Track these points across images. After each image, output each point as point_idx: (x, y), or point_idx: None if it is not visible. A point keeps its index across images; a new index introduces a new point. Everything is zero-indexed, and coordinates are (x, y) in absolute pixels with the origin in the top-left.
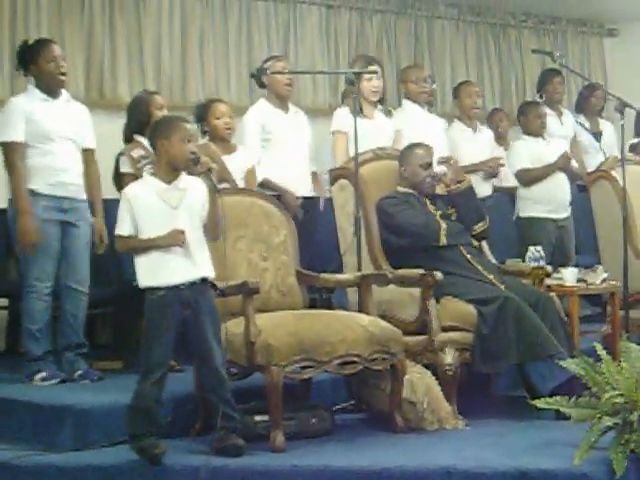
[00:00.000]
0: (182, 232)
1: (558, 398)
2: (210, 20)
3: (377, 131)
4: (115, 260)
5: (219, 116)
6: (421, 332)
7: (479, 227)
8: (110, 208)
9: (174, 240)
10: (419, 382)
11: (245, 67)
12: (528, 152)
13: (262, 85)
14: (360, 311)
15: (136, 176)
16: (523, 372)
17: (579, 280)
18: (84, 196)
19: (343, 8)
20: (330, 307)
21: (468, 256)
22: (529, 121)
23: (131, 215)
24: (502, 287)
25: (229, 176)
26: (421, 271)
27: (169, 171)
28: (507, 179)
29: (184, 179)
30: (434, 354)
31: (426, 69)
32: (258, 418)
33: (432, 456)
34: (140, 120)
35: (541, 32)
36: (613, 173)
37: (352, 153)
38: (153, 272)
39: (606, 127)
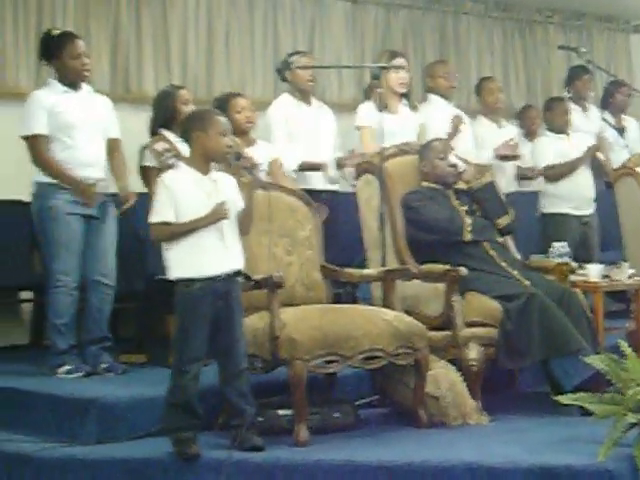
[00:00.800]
0: (225, 203)
1: (582, 394)
2: (236, 14)
3: (402, 126)
4: (140, 254)
5: (240, 110)
6: (445, 327)
7: (503, 220)
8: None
9: (219, 214)
10: (443, 377)
11: (271, 61)
12: (552, 148)
13: (285, 79)
14: (384, 306)
15: (159, 169)
16: (547, 368)
17: (604, 276)
18: (109, 190)
19: (369, 3)
20: (354, 302)
21: (492, 252)
22: (555, 117)
23: (172, 201)
24: (527, 283)
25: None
26: (446, 266)
27: (204, 163)
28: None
29: (216, 172)
30: (458, 349)
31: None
32: (282, 412)
33: (455, 451)
34: (166, 114)
35: (567, 28)
36: (638, 170)
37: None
38: (188, 263)
39: (630, 123)
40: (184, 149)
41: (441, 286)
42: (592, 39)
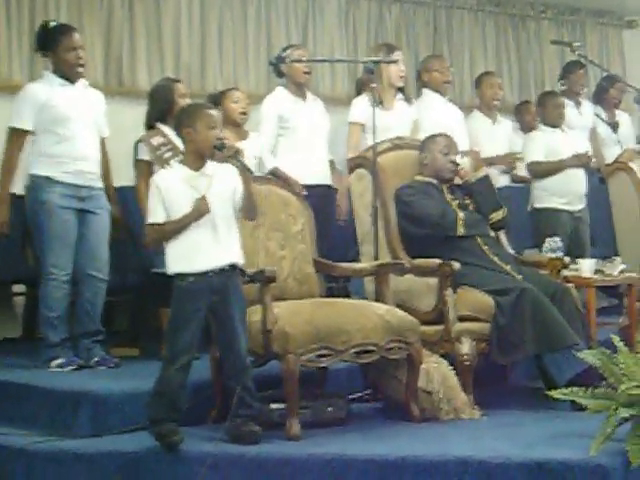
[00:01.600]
0: (204, 199)
1: (574, 389)
2: (229, 8)
3: (396, 122)
4: (134, 247)
5: (236, 100)
6: (438, 322)
7: (496, 216)
8: (129, 195)
9: (199, 211)
10: (435, 372)
11: (264, 56)
12: (544, 143)
13: (280, 74)
14: (377, 300)
15: (152, 164)
16: (540, 363)
17: (596, 271)
18: (101, 184)
19: None
20: (347, 296)
21: (485, 247)
22: (547, 112)
23: (162, 203)
24: (519, 278)
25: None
26: (439, 261)
27: (196, 158)
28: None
29: (212, 166)
30: (451, 344)
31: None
32: (274, 406)
33: (448, 446)
34: (162, 108)
35: (560, 23)
36: (631, 165)
37: (368, 144)
38: (183, 258)
39: (623, 118)
40: (180, 143)
41: (434, 280)
42: (585, 34)
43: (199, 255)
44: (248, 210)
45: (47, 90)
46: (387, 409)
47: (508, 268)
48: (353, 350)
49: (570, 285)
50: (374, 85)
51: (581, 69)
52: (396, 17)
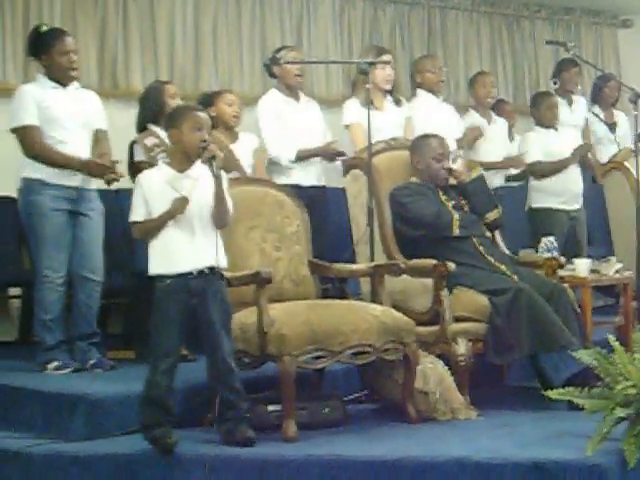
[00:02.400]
0: (183, 199)
1: (571, 389)
2: (223, 10)
3: (387, 122)
4: (128, 250)
5: (229, 103)
6: (434, 322)
7: (492, 215)
8: (124, 198)
9: (176, 208)
10: (432, 372)
11: (258, 57)
12: (540, 144)
13: (272, 75)
14: (373, 301)
15: (150, 164)
16: (536, 363)
17: (592, 271)
18: (94, 185)
19: None
20: (344, 297)
21: (480, 248)
22: (541, 112)
23: (144, 202)
24: (515, 278)
25: (238, 165)
26: (434, 261)
27: (182, 160)
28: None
29: (198, 168)
30: (447, 344)
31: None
32: (271, 408)
33: (445, 446)
34: (153, 109)
35: (555, 23)
36: (626, 164)
37: (363, 143)
38: (162, 260)
39: (620, 118)
40: None
41: (429, 281)
42: (580, 34)
43: (177, 257)
44: (217, 217)
45: (39, 92)
46: (384, 410)
47: (503, 268)
48: (349, 351)
49: (566, 285)
50: (368, 86)
51: (574, 67)
52: (391, 18)
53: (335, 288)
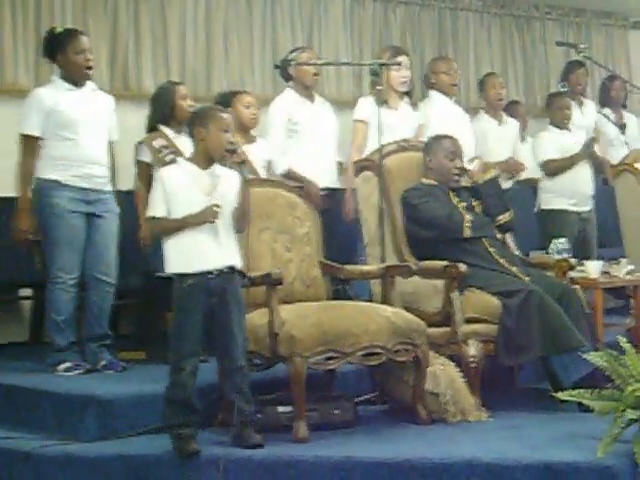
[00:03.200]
0: (217, 206)
1: (581, 391)
2: (234, 11)
3: (400, 122)
4: (140, 251)
5: (247, 105)
6: (445, 324)
7: (504, 218)
8: (132, 199)
9: (208, 216)
10: (442, 374)
11: (269, 58)
12: (553, 143)
13: (287, 77)
14: (384, 302)
15: (152, 166)
16: (546, 364)
17: (603, 273)
18: (110, 187)
19: (367, 0)
20: (348, 299)
21: (491, 249)
22: (552, 112)
23: (164, 197)
24: (526, 279)
25: (251, 167)
26: (445, 263)
27: (205, 159)
28: (529, 171)
29: (219, 168)
30: (457, 346)
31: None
32: (281, 409)
33: (455, 448)
34: (163, 110)
35: (565, 24)
36: (637, 166)
37: (373, 143)
38: (183, 259)
39: (630, 120)
40: (182, 145)
41: (440, 282)
42: (590, 35)
43: (199, 256)
44: (239, 221)
45: (54, 94)
46: (394, 411)
47: (514, 270)
48: (360, 352)
49: (577, 286)
50: (380, 87)
51: (580, 68)
52: (401, 19)
53: (346, 290)
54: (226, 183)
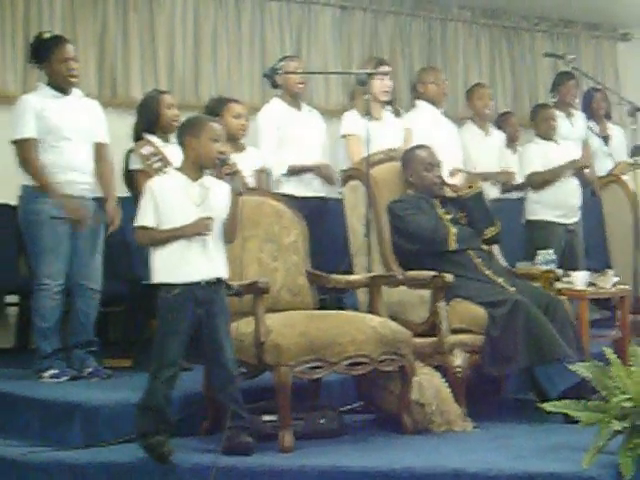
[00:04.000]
0: (209, 219)
1: (567, 401)
2: (223, 20)
3: (385, 132)
4: (126, 258)
5: (236, 115)
6: (431, 334)
7: (490, 232)
8: (122, 206)
9: (199, 229)
10: (428, 384)
11: (258, 67)
12: (539, 155)
13: (275, 85)
14: (370, 312)
15: (147, 172)
16: (532, 375)
17: (589, 284)
18: (94, 194)
19: (356, 9)
20: (340, 308)
21: (477, 260)
22: (537, 124)
23: (154, 207)
24: (512, 290)
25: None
26: (432, 273)
27: (195, 169)
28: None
29: (209, 178)
30: (443, 356)
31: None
32: (267, 418)
33: (440, 458)
34: (150, 119)
35: (554, 36)
36: (624, 177)
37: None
38: (170, 269)
39: (614, 131)
40: (169, 153)
41: (427, 292)
42: (579, 47)
43: (186, 267)
44: (229, 232)
45: (40, 101)
46: (380, 421)
47: (501, 281)
48: (346, 362)
49: (563, 297)
50: (367, 97)
51: (570, 80)
52: (391, 29)
53: (332, 299)
54: (216, 194)
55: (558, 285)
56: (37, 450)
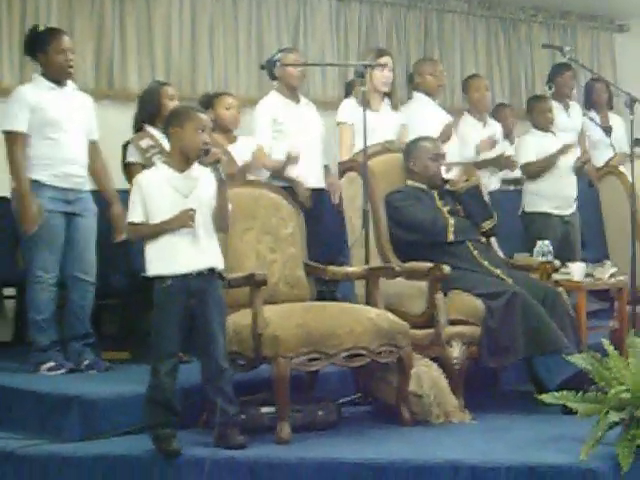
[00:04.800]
0: (192, 211)
1: (565, 393)
2: (220, 12)
3: (382, 124)
4: (123, 251)
5: (228, 107)
6: (428, 325)
7: (487, 224)
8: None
9: (183, 221)
10: (426, 375)
11: (255, 59)
12: (535, 146)
13: (273, 76)
14: (368, 304)
15: (143, 165)
16: (530, 366)
17: (587, 275)
18: (88, 187)
19: (353, 1)
20: (333, 299)
21: (475, 252)
22: (534, 116)
23: (142, 202)
24: (510, 281)
25: (236, 166)
26: (429, 264)
27: (182, 160)
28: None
29: (197, 169)
30: (441, 348)
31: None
32: (264, 410)
33: (438, 450)
34: (150, 110)
35: (551, 27)
36: (621, 169)
37: (358, 145)
38: (162, 261)
39: (616, 121)
40: (168, 145)
41: (424, 284)
42: (576, 38)
43: (178, 258)
44: (219, 221)
45: (36, 93)
46: (378, 413)
47: (498, 272)
48: (344, 354)
49: (560, 289)
50: (364, 88)
51: (567, 71)
52: (387, 20)
53: (330, 291)
54: (203, 185)
55: (555, 276)
56: (34, 443)
